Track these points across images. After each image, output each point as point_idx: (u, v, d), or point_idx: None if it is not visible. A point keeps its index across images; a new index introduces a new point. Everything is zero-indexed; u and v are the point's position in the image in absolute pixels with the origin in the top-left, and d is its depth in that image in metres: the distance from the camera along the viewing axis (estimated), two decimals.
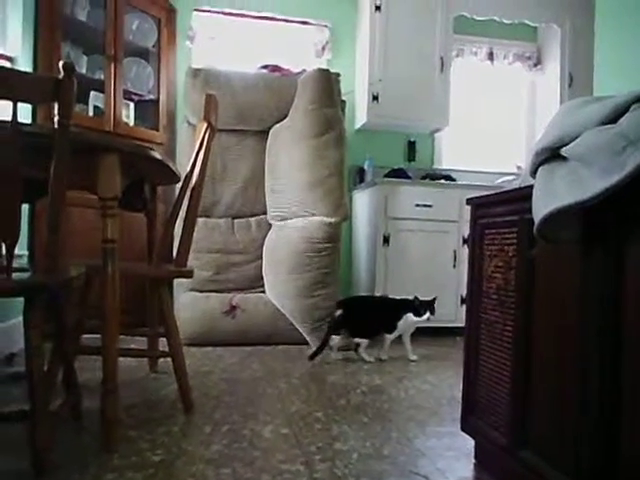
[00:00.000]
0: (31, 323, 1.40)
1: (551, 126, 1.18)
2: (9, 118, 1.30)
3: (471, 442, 1.65)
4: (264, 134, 3.60)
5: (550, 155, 1.16)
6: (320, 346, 2.94)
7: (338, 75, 3.46)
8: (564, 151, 1.10)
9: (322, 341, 2.94)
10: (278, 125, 3.51)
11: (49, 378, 1.78)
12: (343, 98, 3.57)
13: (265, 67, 3.80)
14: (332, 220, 3.20)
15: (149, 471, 1.50)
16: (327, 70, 3.31)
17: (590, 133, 1.03)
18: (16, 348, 2.76)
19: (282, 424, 1.93)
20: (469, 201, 1.65)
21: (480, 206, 1.57)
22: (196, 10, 4.25)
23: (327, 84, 3.24)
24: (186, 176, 2.09)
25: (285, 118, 3.46)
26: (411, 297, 3.01)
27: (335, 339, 2.99)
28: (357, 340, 3.01)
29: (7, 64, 2.97)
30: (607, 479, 1.04)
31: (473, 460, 1.62)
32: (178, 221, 2.41)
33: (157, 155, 1.75)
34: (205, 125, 1.99)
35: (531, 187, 1.22)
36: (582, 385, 1.10)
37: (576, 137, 1.08)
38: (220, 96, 3.38)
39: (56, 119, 1.38)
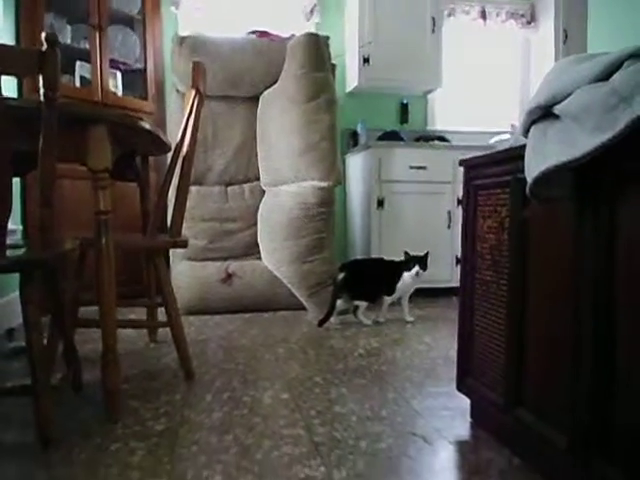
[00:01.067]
0: (28, 298, 1.40)
1: (544, 84, 1.16)
2: None
3: (467, 401, 1.68)
4: (254, 100, 3.55)
5: (542, 114, 1.15)
6: (328, 311, 2.96)
7: (327, 39, 3.39)
8: (556, 109, 1.09)
9: (329, 306, 2.96)
10: (268, 91, 3.46)
11: (49, 352, 1.79)
12: (333, 62, 3.51)
13: (253, 33, 3.72)
14: (325, 185, 3.18)
15: (153, 440, 1.52)
16: (316, 34, 3.25)
17: (582, 90, 1.02)
18: (15, 323, 2.77)
19: (281, 389, 1.96)
20: (462, 162, 1.64)
21: (473, 167, 1.56)
22: None
23: (316, 48, 3.18)
24: (177, 145, 2.07)
25: (275, 83, 3.41)
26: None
27: (359, 304, 3.02)
28: (356, 303, 3.03)
29: None
30: (602, 435, 1.06)
31: (469, 419, 1.65)
32: (171, 190, 2.41)
33: (146, 125, 1.73)
34: (193, 93, 1.96)
35: (523, 147, 1.21)
36: (577, 343, 1.12)
37: (569, 95, 1.07)
38: (208, 63, 3.33)
39: (42, 92, 1.35)
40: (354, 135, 4.25)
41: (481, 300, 1.52)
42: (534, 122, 1.17)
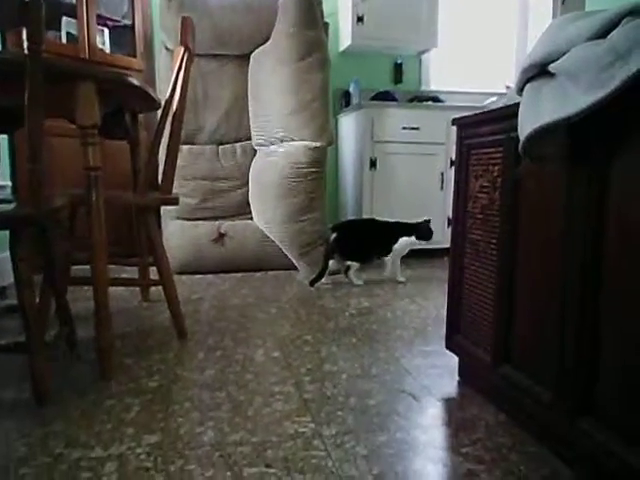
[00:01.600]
0: (18, 256, 1.39)
1: (540, 42, 1.14)
2: None
3: (455, 360, 1.71)
4: (245, 58, 3.49)
5: (538, 72, 1.13)
6: (320, 271, 2.98)
7: None
8: (552, 67, 1.07)
9: (321, 266, 2.98)
10: (260, 49, 3.39)
11: (41, 310, 1.80)
12: (326, 20, 3.43)
13: None
14: (317, 145, 3.16)
15: (147, 396, 1.54)
16: None
17: (579, 48, 1.01)
18: (7, 282, 2.77)
19: (273, 348, 1.98)
20: (455, 121, 1.63)
21: (466, 126, 1.55)
22: None
23: (308, 6, 3.11)
24: (166, 102, 2.03)
25: (266, 42, 3.34)
26: (404, 220, 3.06)
27: (351, 264, 3.03)
28: (348, 263, 3.05)
29: None
30: (587, 393, 1.08)
31: (457, 377, 1.68)
32: (161, 148, 2.39)
33: (135, 81, 1.69)
34: (182, 50, 1.92)
35: (517, 105, 1.20)
36: (563, 300, 1.13)
37: (565, 53, 1.05)
38: (197, 19, 3.27)
39: (25, 45, 1.32)
40: (346, 95, 4.19)
41: (471, 259, 1.53)
42: (529, 80, 1.16)
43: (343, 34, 4.16)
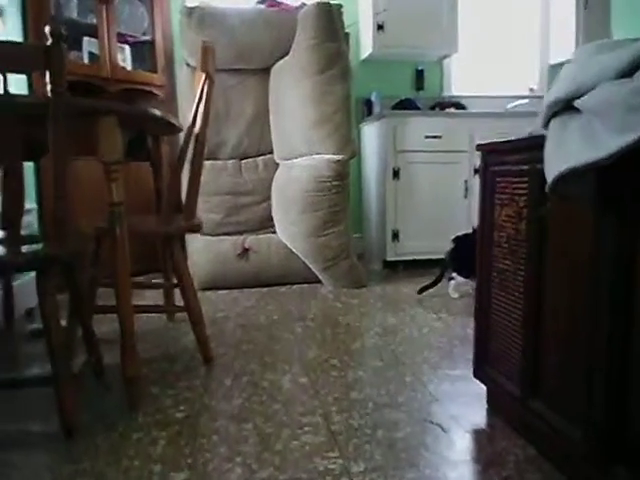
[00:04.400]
0: (44, 292, 1.41)
1: (564, 76, 1.12)
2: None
3: (483, 386, 1.68)
4: (266, 72, 3.49)
5: (563, 106, 1.11)
6: (434, 281, 2.98)
7: (340, 7, 3.29)
8: (578, 103, 1.05)
9: (436, 276, 2.99)
10: (280, 62, 3.39)
11: (68, 340, 1.82)
12: (346, 31, 3.41)
13: (262, 2, 3.62)
14: (340, 158, 3.14)
15: (174, 428, 1.55)
16: (327, 3, 3.15)
17: (606, 86, 0.98)
18: (34, 303, 2.81)
19: (299, 373, 1.97)
20: (479, 147, 1.60)
21: (491, 153, 1.52)
22: None
23: (328, 19, 3.10)
24: (188, 128, 2.04)
25: (286, 55, 3.34)
26: None
27: (456, 277, 3.00)
28: (454, 274, 3.01)
29: None
30: (617, 431, 1.05)
31: (485, 405, 1.65)
32: (184, 169, 2.40)
33: (157, 113, 1.70)
34: (203, 76, 1.92)
35: (542, 137, 1.17)
36: (593, 338, 1.10)
37: (590, 89, 1.03)
38: (217, 35, 3.29)
39: (48, 88, 1.33)
40: (368, 104, 4.17)
41: (498, 289, 1.50)
42: (555, 114, 1.13)
43: (364, 43, 4.15)
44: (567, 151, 1.03)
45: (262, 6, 3.59)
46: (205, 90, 1.93)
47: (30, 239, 1.61)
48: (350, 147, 3.15)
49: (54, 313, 1.46)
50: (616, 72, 0.98)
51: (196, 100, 1.96)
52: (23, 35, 3.13)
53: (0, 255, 1.37)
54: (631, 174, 0.99)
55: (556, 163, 1.05)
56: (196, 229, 2.04)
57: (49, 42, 1.30)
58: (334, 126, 3.11)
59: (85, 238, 1.62)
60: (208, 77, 1.93)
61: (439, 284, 3.04)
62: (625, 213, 1.01)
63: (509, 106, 4.37)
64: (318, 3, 3.14)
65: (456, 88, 4.49)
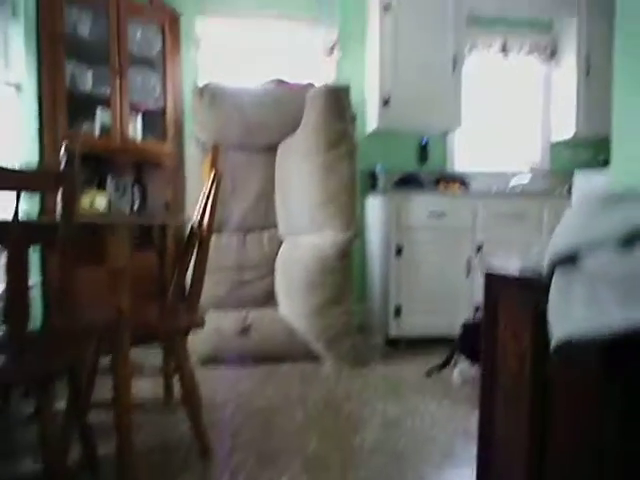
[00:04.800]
0: (45, 413, 1.39)
1: (566, 229, 1.14)
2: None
3: None
4: (273, 149, 3.55)
5: (567, 260, 1.12)
6: (442, 363, 2.98)
7: (348, 88, 3.37)
8: (582, 264, 1.06)
9: (445, 359, 2.99)
10: (287, 140, 3.45)
11: (64, 442, 1.79)
12: (353, 111, 3.48)
13: (272, 81, 3.70)
14: (344, 237, 3.17)
15: None
16: (335, 87, 3.23)
17: (610, 255, 1.00)
18: None
19: (299, 470, 1.94)
20: (487, 277, 1.59)
21: (495, 281, 1.53)
22: (201, 15, 4.16)
23: (336, 101, 3.18)
24: (194, 225, 2.06)
25: (293, 132, 3.40)
26: None
27: (463, 362, 2.96)
28: (460, 360, 2.98)
29: (13, 91, 2.93)
30: None
31: None
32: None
33: (164, 221, 1.73)
34: (212, 174, 1.95)
35: (547, 280, 1.18)
36: None
37: (594, 250, 1.04)
38: (227, 113, 3.37)
39: (59, 207, 1.35)
40: (373, 177, 4.22)
41: (502, 414, 1.48)
42: (559, 263, 1.14)
43: (370, 117, 4.22)
44: (571, 315, 1.03)
45: (272, 85, 3.67)
46: (214, 189, 1.96)
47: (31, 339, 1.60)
48: (354, 227, 3.18)
49: (52, 433, 1.44)
50: (619, 238, 1.00)
51: (204, 197, 1.99)
52: (38, 110, 3.19)
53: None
54: (636, 346, 0.99)
55: (560, 325, 1.05)
56: (198, 325, 2.03)
57: (63, 164, 1.32)
58: (339, 206, 3.15)
59: (87, 350, 1.62)
60: (217, 175, 1.96)
61: (447, 366, 3.04)
62: (630, 384, 1.01)
63: (511, 183, 4.43)
64: (327, 85, 3.22)
65: (459, 162, 4.55)
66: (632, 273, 0.95)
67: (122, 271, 1.58)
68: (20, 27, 3.00)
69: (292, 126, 3.41)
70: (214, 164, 1.94)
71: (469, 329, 2.98)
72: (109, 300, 1.58)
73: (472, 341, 2.90)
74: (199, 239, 2.01)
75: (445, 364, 3.02)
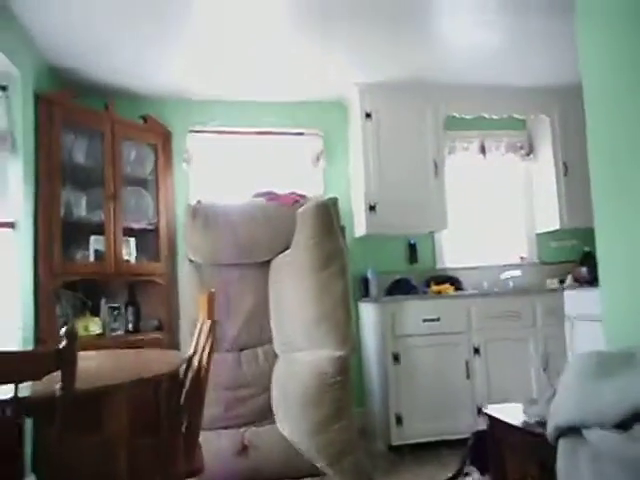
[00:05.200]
0: None
1: (566, 400, 1.16)
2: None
3: None
4: (266, 264, 3.59)
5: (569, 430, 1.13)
6: (454, 476, 2.86)
7: (336, 201, 3.47)
8: (586, 439, 1.08)
9: (456, 471, 2.86)
10: (280, 257, 3.49)
11: None
12: (342, 223, 3.57)
13: (262, 195, 3.80)
14: (341, 353, 3.16)
15: None
16: (324, 204, 3.33)
17: (613, 434, 1.01)
18: None
19: None
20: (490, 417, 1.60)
21: (499, 427, 1.53)
22: (191, 132, 4.32)
23: (325, 218, 3.26)
24: (190, 361, 2.06)
25: (286, 248, 3.46)
26: None
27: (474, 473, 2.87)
28: (470, 471, 2.88)
29: (9, 231, 2.99)
30: None
31: None
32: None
33: (163, 371, 1.73)
34: (209, 323, 1.97)
35: (552, 443, 1.19)
36: None
37: (596, 422, 1.06)
38: (220, 234, 3.45)
39: (58, 386, 1.35)
40: (365, 281, 4.26)
41: None
42: (564, 433, 1.16)
43: (358, 222, 4.32)
44: None
45: (262, 199, 3.75)
46: (210, 336, 1.97)
47: None
48: (350, 342, 3.19)
49: None
50: (618, 415, 1.02)
51: (199, 341, 2.00)
52: (34, 244, 3.24)
53: None
54: None
55: None
56: (199, 471, 1.99)
57: (63, 344, 1.34)
58: (334, 323, 3.16)
59: None
60: (212, 323, 1.98)
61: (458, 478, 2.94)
62: None
63: (502, 276, 4.48)
64: (315, 204, 3.31)
65: (449, 259, 4.62)
66: (628, 456, 0.96)
67: (118, 438, 1.56)
68: (19, 162, 3.09)
69: (284, 242, 3.46)
70: (210, 313, 1.96)
71: (480, 438, 2.92)
72: (104, 469, 1.56)
73: (482, 451, 2.84)
74: (196, 387, 2.00)
75: (456, 476, 2.92)
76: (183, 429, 1.98)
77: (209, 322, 1.97)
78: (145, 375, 1.69)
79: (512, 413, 1.48)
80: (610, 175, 2.48)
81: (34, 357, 1.38)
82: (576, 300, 2.83)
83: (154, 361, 2.12)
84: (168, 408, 1.95)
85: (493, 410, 1.57)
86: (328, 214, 3.29)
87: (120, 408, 1.56)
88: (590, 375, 1.18)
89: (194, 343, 2.05)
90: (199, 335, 2.03)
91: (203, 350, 2.00)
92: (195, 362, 2.05)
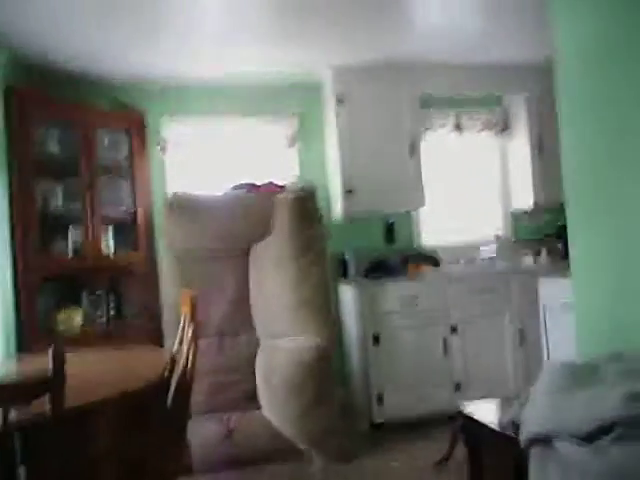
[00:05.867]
0: None
1: (537, 410, 1.23)
2: None
3: None
4: (246, 251, 3.60)
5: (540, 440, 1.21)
6: (447, 454, 2.94)
7: (314, 190, 3.49)
8: (556, 450, 1.15)
9: (448, 449, 2.93)
10: (260, 244, 3.51)
11: None
12: (320, 210, 3.59)
13: (241, 187, 3.80)
14: (321, 339, 3.23)
15: None
16: (302, 193, 3.35)
17: (581, 447, 1.09)
18: None
19: None
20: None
21: (475, 427, 1.60)
22: (165, 116, 4.26)
23: (303, 209, 3.30)
24: (174, 360, 2.10)
25: (265, 236, 3.48)
26: None
27: None
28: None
29: None
30: None
31: None
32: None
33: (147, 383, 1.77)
34: (192, 326, 2.01)
35: (525, 448, 1.26)
36: None
37: (565, 434, 1.14)
38: (198, 225, 3.46)
39: (48, 409, 1.38)
40: (343, 263, 4.30)
41: None
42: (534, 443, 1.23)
43: (335, 205, 4.34)
44: None
45: (242, 190, 3.74)
46: (193, 340, 2.01)
47: None
48: (330, 328, 3.26)
49: None
50: (588, 429, 1.10)
51: (184, 346, 2.04)
52: (10, 237, 3.22)
53: None
54: None
55: None
56: (186, 472, 2.05)
57: (50, 371, 1.36)
58: (314, 308, 3.23)
59: None
60: (194, 324, 2.01)
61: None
62: None
63: (478, 254, 4.56)
64: (294, 194, 3.33)
65: (426, 237, 4.68)
66: (608, 471, 1.04)
67: (106, 453, 1.60)
68: None
69: (263, 231, 3.48)
70: (192, 315, 1.99)
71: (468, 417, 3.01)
72: None
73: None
74: (181, 387, 2.04)
75: (447, 457, 2.99)
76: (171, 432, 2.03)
77: (191, 325, 2.00)
78: (131, 387, 1.72)
79: (487, 413, 1.55)
80: (582, 158, 2.54)
81: (24, 386, 1.40)
82: (550, 288, 2.91)
83: (138, 364, 2.15)
84: (155, 412, 1.99)
85: (469, 409, 1.63)
86: (305, 205, 3.33)
87: (106, 424, 1.59)
88: (562, 386, 1.25)
89: (177, 340, 2.08)
90: (182, 331, 2.06)
91: (188, 353, 2.03)
92: (180, 364, 2.08)
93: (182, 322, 2.22)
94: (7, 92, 3.26)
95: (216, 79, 4.25)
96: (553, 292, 2.77)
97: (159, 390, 1.89)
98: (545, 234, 4.74)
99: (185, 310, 2.14)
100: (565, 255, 4.38)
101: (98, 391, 1.70)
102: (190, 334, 2.02)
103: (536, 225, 4.86)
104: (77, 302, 3.64)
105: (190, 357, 2.04)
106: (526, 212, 4.77)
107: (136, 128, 4.08)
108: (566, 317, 2.58)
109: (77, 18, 3.11)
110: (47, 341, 3.19)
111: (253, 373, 3.56)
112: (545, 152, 4.51)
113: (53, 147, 3.62)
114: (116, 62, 3.81)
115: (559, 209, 4.46)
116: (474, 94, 4.59)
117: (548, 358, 2.93)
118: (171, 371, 2.11)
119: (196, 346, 2.03)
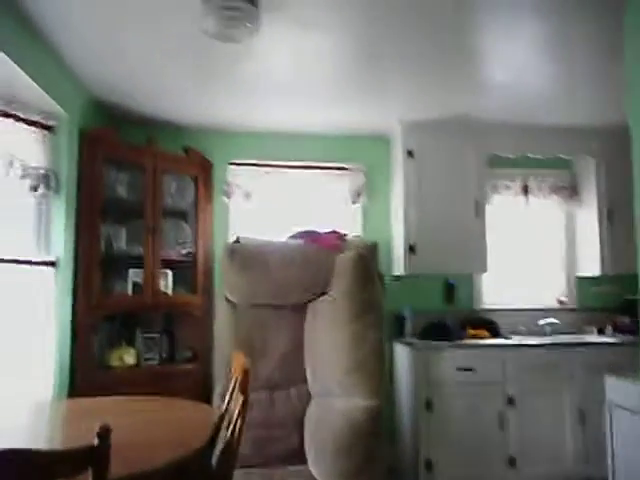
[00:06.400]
0: None
1: None
2: None
3: None
4: (302, 306, 3.57)
5: None
6: None
7: (375, 247, 3.46)
8: None
9: None
10: (317, 301, 3.46)
11: None
12: (380, 269, 3.54)
13: (303, 234, 3.77)
14: (373, 403, 3.14)
15: None
16: (363, 255, 3.30)
17: None
18: None
19: None
20: None
21: None
22: (231, 164, 4.35)
23: (364, 269, 3.24)
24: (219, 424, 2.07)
25: (322, 292, 3.44)
26: None
27: None
28: None
29: (50, 270, 3.06)
30: None
31: None
32: None
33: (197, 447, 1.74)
34: (242, 398, 1.98)
35: None
36: None
37: None
38: (257, 275, 3.47)
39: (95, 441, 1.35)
40: (400, 319, 4.22)
41: None
42: None
43: (397, 262, 4.28)
44: None
45: (300, 241, 3.71)
46: (243, 414, 1.97)
47: None
48: (382, 394, 3.17)
49: None
50: None
51: (232, 405, 2.00)
52: (73, 279, 3.31)
53: None
54: None
55: None
56: None
57: (95, 442, 1.34)
58: (367, 372, 3.14)
59: None
60: (246, 398, 1.98)
61: None
62: None
63: (540, 322, 4.38)
64: (355, 253, 3.29)
65: (487, 300, 4.54)
66: None
67: None
68: (62, 202, 3.16)
69: (322, 285, 3.44)
70: (244, 387, 1.96)
71: None
72: None
73: None
74: (228, 449, 2.01)
75: None
76: None
77: (241, 397, 1.97)
78: (178, 455, 1.68)
79: None
80: None
81: (66, 456, 1.38)
82: (619, 391, 2.58)
83: (186, 423, 2.12)
84: (199, 475, 1.95)
85: None
86: (367, 264, 3.28)
87: None
88: None
89: (227, 398, 2.05)
90: (232, 391, 2.04)
91: (236, 420, 2.00)
92: (228, 431, 2.05)
93: (232, 383, 2.18)
94: (81, 137, 3.39)
95: (284, 128, 4.33)
96: (621, 396, 2.47)
97: (205, 454, 1.86)
98: (610, 307, 4.53)
99: (236, 373, 2.11)
100: (631, 331, 4.19)
101: (144, 458, 1.67)
102: (240, 404, 1.98)
103: (601, 294, 4.64)
104: (132, 341, 3.69)
105: (238, 424, 1.99)
106: (592, 278, 4.56)
107: (203, 174, 4.15)
108: (632, 422, 2.34)
109: (153, 64, 3.18)
110: (99, 381, 3.30)
111: (300, 428, 3.49)
112: (615, 219, 4.33)
113: (121, 190, 3.71)
114: (187, 108, 3.91)
115: (626, 280, 4.28)
116: (542, 156, 4.48)
117: (613, 476, 2.50)
118: (218, 430, 2.08)
119: (244, 418, 1.99)
